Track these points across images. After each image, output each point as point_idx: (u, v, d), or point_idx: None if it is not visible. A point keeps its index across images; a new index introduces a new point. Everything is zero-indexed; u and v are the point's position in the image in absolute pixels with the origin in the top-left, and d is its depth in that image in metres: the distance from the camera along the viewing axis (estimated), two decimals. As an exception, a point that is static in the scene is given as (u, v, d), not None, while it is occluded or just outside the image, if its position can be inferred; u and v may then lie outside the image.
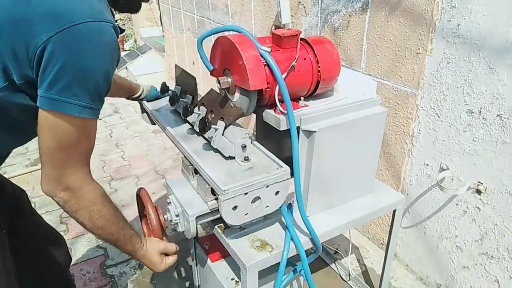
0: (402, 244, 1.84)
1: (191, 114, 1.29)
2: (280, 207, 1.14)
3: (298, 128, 1.13)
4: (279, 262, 1.15)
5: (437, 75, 1.47)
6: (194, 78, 1.37)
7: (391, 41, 1.60)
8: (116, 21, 0.98)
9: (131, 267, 1.97)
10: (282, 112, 1.13)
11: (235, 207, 1.04)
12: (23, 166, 2.89)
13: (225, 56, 1.16)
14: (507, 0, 1.19)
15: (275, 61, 1.08)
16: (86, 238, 2.19)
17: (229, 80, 1.16)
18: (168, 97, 1.55)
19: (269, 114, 1.18)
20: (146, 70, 4.89)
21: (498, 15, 1.23)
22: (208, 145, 1.22)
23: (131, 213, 2.37)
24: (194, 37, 3.72)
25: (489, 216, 1.42)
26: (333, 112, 1.19)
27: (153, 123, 1.57)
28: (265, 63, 1.09)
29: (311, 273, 1.40)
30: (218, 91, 1.26)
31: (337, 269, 1.90)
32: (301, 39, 1.20)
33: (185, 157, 1.23)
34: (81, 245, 2.14)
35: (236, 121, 1.21)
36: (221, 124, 1.16)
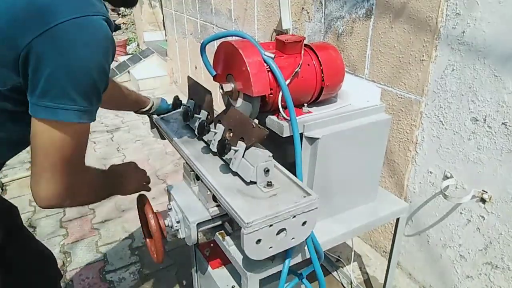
0: (405, 252, 1.82)
1: (207, 133, 1.17)
2: (306, 239, 1.08)
3: (301, 134, 1.12)
4: (280, 270, 1.13)
5: (442, 82, 1.46)
6: (210, 93, 1.26)
7: (395, 48, 1.60)
8: (114, 21, 0.95)
9: (130, 272, 1.95)
10: (285, 119, 1.12)
11: (258, 241, 0.95)
12: (24, 170, 2.89)
13: (228, 61, 1.16)
14: (513, 7, 1.18)
15: (278, 67, 1.07)
16: (86, 243, 2.17)
17: (232, 85, 1.15)
18: (178, 109, 1.47)
19: (272, 120, 1.17)
20: (149, 74, 4.90)
21: (503, 23, 1.22)
22: (226, 167, 1.12)
23: (131, 217, 2.36)
24: (196, 41, 3.72)
25: (494, 225, 1.40)
26: (336, 119, 1.18)
27: (163, 138, 1.48)
28: (268, 69, 1.09)
29: (312, 282, 1.39)
30: (224, 99, 1.24)
31: (339, 277, 1.88)
32: (305, 45, 1.20)
33: (202, 181, 1.13)
34: (80, 250, 2.12)
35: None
36: (241, 145, 1.06)
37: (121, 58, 5.58)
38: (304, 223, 1.00)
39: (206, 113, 1.27)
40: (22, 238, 1.28)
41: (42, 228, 2.30)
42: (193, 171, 1.18)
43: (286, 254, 1.13)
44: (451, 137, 1.47)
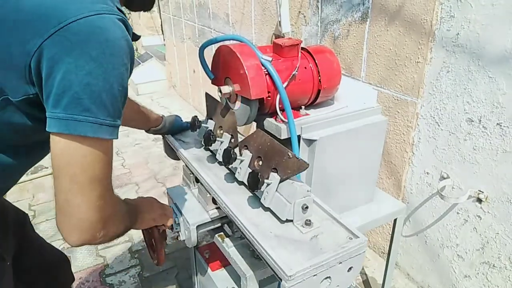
0: (403, 252, 1.83)
1: (234, 161, 1.05)
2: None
3: (299, 136, 1.13)
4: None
5: (437, 84, 1.48)
6: (233, 114, 1.15)
7: (390, 50, 1.61)
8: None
9: (130, 275, 1.96)
10: (283, 121, 1.13)
11: None
12: (24, 174, 2.89)
13: (226, 65, 1.17)
14: (506, 10, 1.20)
15: (276, 70, 1.09)
16: (85, 247, 2.18)
17: (230, 88, 1.17)
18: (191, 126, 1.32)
19: (270, 123, 1.18)
20: (147, 79, 4.91)
21: (497, 25, 1.24)
22: (257, 201, 1.01)
23: (131, 221, 2.36)
24: (195, 45, 3.74)
25: (490, 225, 1.41)
26: (334, 121, 1.20)
27: (178, 159, 1.36)
28: (266, 72, 1.10)
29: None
30: (222, 101, 1.25)
31: (338, 278, 1.89)
32: (302, 48, 1.21)
33: (234, 222, 1.00)
34: (80, 254, 2.12)
35: (238, 129, 1.17)
36: (274, 177, 0.95)
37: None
38: (350, 269, 0.88)
39: (230, 136, 1.15)
40: (34, 247, 1.25)
41: (42, 231, 2.30)
42: (192, 173, 1.19)
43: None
44: (447, 138, 1.49)
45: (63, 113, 0.67)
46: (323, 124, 1.18)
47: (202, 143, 1.19)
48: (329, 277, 0.85)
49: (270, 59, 1.10)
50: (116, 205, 0.84)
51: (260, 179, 0.94)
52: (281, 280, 0.81)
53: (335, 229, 0.92)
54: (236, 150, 1.07)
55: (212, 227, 1.17)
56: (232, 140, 1.13)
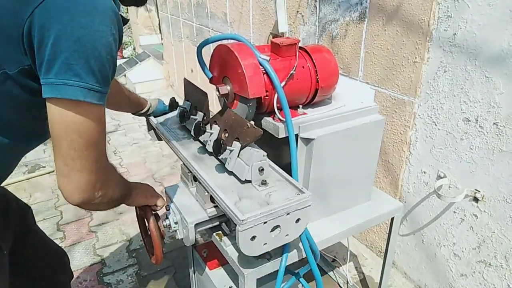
0: (400, 252, 1.84)
1: (203, 134, 1.20)
2: (300, 236, 1.09)
3: (296, 135, 1.13)
4: (277, 270, 1.15)
5: (434, 83, 1.48)
6: (206, 94, 1.28)
7: (388, 50, 1.62)
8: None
9: (128, 275, 1.96)
10: (280, 120, 1.14)
11: (253, 237, 0.97)
12: (21, 173, 2.88)
13: (224, 64, 1.17)
14: (502, 10, 1.21)
15: (274, 70, 1.09)
16: (83, 246, 2.17)
17: (228, 88, 1.17)
18: (174, 111, 1.47)
19: (268, 122, 1.18)
20: (145, 78, 4.91)
21: (493, 25, 1.24)
22: (222, 167, 1.15)
23: (128, 219, 2.36)
24: (192, 45, 3.74)
25: (487, 224, 1.42)
26: (331, 120, 1.20)
27: (160, 139, 1.50)
28: (264, 71, 1.11)
29: (309, 281, 1.40)
30: (220, 101, 1.26)
31: (335, 277, 1.90)
32: (300, 47, 1.22)
33: (200, 183, 1.14)
34: (77, 253, 2.12)
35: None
36: (236, 145, 1.09)
37: (118, 62, 5.58)
38: (297, 220, 1.02)
39: (202, 114, 1.29)
40: (35, 240, 1.26)
41: (39, 231, 2.30)
42: (191, 172, 1.20)
43: (282, 253, 1.15)
44: (444, 138, 1.50)
45: (55, 78, 0.70)
46: (320, 123, 1.18)
47: (178, 120, 1.38)
48: (279, 226, 0.99)
49: (268, 58, 1.11)
50: (111, 169, 0.91)
51: (223, 145, 1.07)
52: (235, 225, 0.95)
53: (286, 188, 1.07)
54: (208, 127, 1.21)
55: (210, 225, 1.17)
56: (205, 118, 1.27)
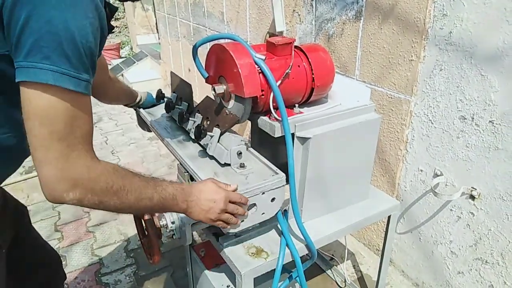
0: (397, 250, 1.85)
1: (187, 121, 1.28)
2: (276, 214, 1.14)
3: (292, 134, 1.13)
4: (274, 269, 1.15)
5: (430, 82, 1.48)
6: (190, 85, 1.37)
7: (384, 48, 1.62)
8: (113, 27, 0.91)
9: (126, 275, 1.96)
10: (276, 119, 1.14)
11: None
12: (18, 174, 2.88)
13: (220, 63, 1.17)
14: (497, 8, 1.21)
15: (269, 69, 1.09)
16: (81, 246, 2.17)
17: (224, 87, 1.17)
18: (162, 101, 1.56)
19: (264, 121, 1.18)
20: (142, 77, 4.90)
21: (488, 23, 1.25)
22: (204, 152, 1.22)
23: (126, 219, 2.36)
24: (190, 44, 3.73)
25: (483, 222, 1.43)
26: (327, 119, 1.20)
27: (149, 130, 1.57)
28: (259, 71, 1.10)
29: (307, 280, 1.41)
30: (214, 98, 1.26)
31: (333, 275, 1.90)
32: (295, 46, 1.22)
33: (180, 164, 1.23)
34: (75, 253, 2.12)
35: (232, 129, 1.21)
36: (216, 131, 1.17)
37: (115, 62, 5.58)
38: (273, 199, 1.09)
39: (187, 104, 1.38)
40: (30, 241, 1.26)
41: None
42: (187, 172, 1.20)
43: (279, 252, 1.15)
44: (440, 136, 1.50)
45: (25, 61, 0.66)
46: (317, 122, 1.18)
47: (164, 109, 1.44)
48: (255, 205, 1.06)
49: (263, 57, 1.11)
50: (96, 171, 0.76)
51: (203, 131, 1.15)
52: None
53: (263, 170, 1.14)
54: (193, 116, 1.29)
55: (207, 225, 1.17)
56: (189, 107, 1.37)
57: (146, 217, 1.16)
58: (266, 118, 1.18)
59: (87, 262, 2.05)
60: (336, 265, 1.93)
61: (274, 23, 2.10)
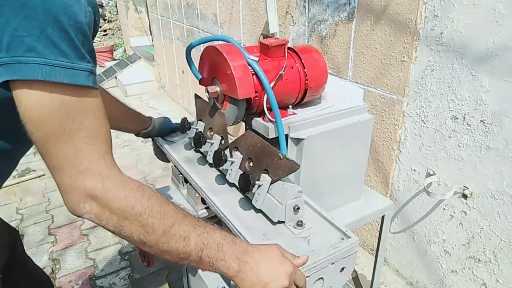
0: (391, 249, 1.86)
1: (224, 163, 1.05)
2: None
3: (286, 135, 1.14)
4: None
5: (422, 82, 1.50)
6: (223, 114, 1.13)
7: (376, 50, 1.64)
8: (101, 26, 0.88)
9: (120, 278, 1.95)
10: (270, 120, 1.14)
11: None
12: (11, 177, 2.85)
13: (213, 65, 1.18)
14: (487, 9, 1.23)
15: (263, 70, 1.10)
16: (75, 249, 2.16)
17: (218, 89, 1.17)
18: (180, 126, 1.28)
19: (258, 122, 1.19)
20: (136, 79, 4.88)
21: (479, 24, 1.26)
22: (248, 203, 1.00)
23: (120, 223, 2.35)
24: (183, 46, 3.73)
25: (475, 220, 1.44)
26: (321, 120, 1.21)
27: (169, 161, 1.35)
28: (253, 72, 1.11)
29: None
30: (210, 102, 1.26)
31: (328, 275, 1.91)
32: (289, 48, 1.22)
33: (225, 224, 0.97)
34: (69, 256, 2.11)
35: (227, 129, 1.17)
36: (265, 178, 0.93)
37: (108, 64, 5.56)
38: (342, 269, 0.87)
39: (220, 137, 1.14)
40: (23, 266, 1.20)
41: (30, 235, 2.28)
42: (181, 174, 1.20)
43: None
44: (432, 136, 1.52)
45: (7, 57, 0.56)
46: (310, 123, 1.19)
47: (192, 144, 1.19)
48: (322, 278, 0.84)
49: (257, 59, 1.11)
50: (113, 181, 0.63)
51: (252, 181, 0.92)
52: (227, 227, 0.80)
53: (327, 230, 0.91)
54: (227, 152, 1.06)
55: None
56: (223, 142, 1.12)
57: None
58: (260, 119, 1.18)
59: (81, 266, 2.04)
60: (331, 265, 1.93)
61: (268, 25, 2.11)
